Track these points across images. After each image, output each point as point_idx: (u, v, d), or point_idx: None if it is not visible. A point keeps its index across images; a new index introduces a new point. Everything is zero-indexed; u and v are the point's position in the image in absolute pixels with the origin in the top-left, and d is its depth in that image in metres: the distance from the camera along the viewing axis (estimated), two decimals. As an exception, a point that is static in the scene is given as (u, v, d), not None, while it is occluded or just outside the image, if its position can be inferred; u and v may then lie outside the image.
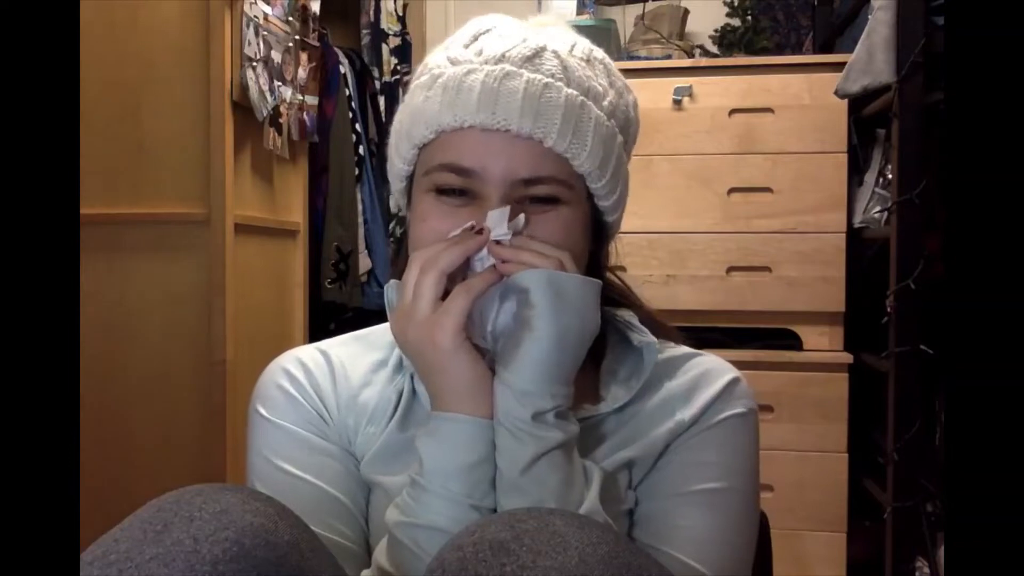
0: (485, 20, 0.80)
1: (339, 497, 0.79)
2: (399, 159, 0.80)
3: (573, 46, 0.78)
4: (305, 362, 0.84)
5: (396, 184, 0.83)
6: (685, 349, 0.85)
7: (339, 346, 0.87)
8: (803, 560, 2.07)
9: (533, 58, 0.75)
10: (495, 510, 0.72)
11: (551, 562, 0.57)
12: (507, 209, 0.72)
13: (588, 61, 0.78)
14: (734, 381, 0.81)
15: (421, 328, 0.71)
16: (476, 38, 0.78)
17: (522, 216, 0.73)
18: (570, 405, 0.73)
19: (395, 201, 0.85)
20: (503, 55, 0.75)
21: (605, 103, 0.77)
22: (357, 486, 0.81)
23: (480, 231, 0.72)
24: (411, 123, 0.77)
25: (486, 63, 0.75)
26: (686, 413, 0.79)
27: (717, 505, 0.77)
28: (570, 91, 0.74)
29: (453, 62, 0.77)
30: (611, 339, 0.85)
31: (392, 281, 0.82)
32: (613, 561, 0.59)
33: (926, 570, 1.76)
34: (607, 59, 0.81)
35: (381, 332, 0.88)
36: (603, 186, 0.77)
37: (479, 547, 0.59)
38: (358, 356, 0.86)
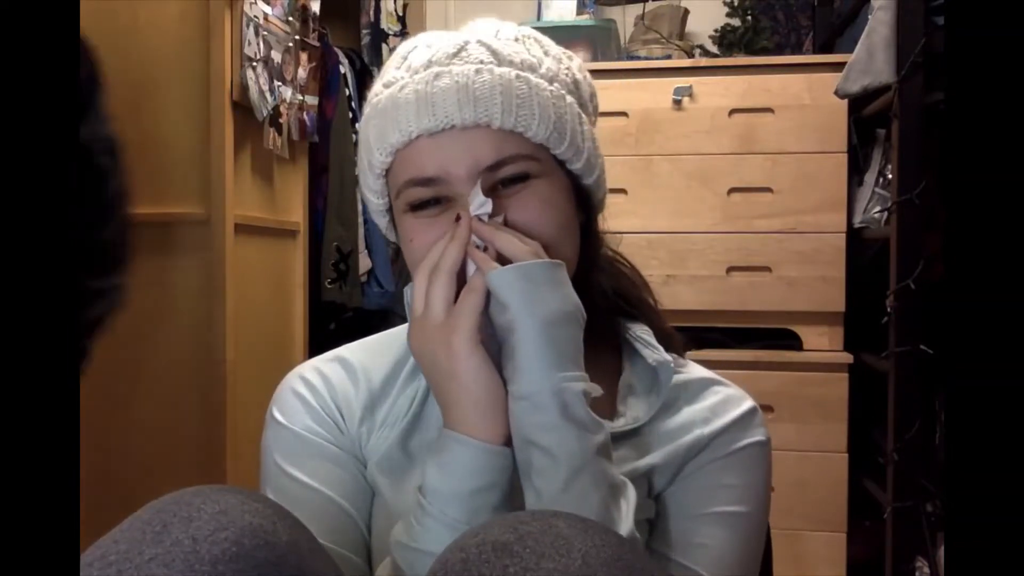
0: (413, 40, 0.80)
1: (343, 505, 0.79)
2: (371, 194, 0.80)
3: (498, 31, 0.78)
4: (323, 371, 0.84)
5: (380, 220, 0.83)
6: (702, 372, 0.86)
7: (358, 351, 0.86)
8: (803, 560, 2.07)
9: (459, 52, 0.75)
10: None
11: (554, 564, 0.57)
12: (478, 184, 0.72)
13: (516, 39, 0.77)
14: (753, 410, 0.83)
15: (436, 332, 0.71)
16: (405, 58, 0.78)
17: (490, 203, 0.72)
18: (591, 394, 0.71)
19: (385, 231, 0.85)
20: (429, 60, 0.75)
21: (542, 70, 0.76)
22: (363, 496, 0.80)
23: (459, 218, 0.72)
24: (368, 155, 0.78)
25: (415, 73, 0.75)
26: (706, 429, 0.81)
27: (738, 527, 0.79)
28: (502, 69, 0.74)
29: (387, 85, 0.77)
30: (626, 353, 0.85)
31: (410, 285, 0.81)
32: (616, 564, 0.59)
33: (926, 570, 1.76)
34: (537, 34, 0.80)
35: (389, 337, 0.88)
36: (566, 150, 0.76)
37: (482, 548, 0.59)
38: (377, 359, 0.85)
